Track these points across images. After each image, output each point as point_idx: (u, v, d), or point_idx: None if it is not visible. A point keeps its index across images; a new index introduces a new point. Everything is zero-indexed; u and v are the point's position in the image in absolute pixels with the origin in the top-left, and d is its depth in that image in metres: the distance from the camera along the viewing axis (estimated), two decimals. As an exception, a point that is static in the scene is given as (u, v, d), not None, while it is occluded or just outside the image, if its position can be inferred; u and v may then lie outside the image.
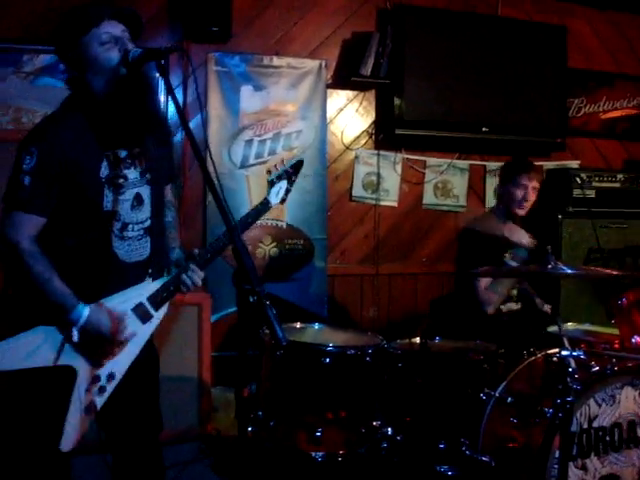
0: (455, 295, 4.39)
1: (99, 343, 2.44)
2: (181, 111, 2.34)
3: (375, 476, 3.40)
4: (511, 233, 4.12)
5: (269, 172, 2.96)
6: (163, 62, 2.34)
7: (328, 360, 3.35)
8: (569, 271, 3.02)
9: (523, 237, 4.09)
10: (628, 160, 6.30)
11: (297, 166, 3.04)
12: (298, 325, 3.83)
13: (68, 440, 2.41)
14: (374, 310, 5.52)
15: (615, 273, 3.28)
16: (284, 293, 5.07)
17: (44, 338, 2.39)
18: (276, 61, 5.09)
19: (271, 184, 2.93)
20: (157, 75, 2.33)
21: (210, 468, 3.95)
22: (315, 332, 3.83)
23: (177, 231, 2.84)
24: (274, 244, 5.17)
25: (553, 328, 3.67)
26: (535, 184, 4.16)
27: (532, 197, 4.17)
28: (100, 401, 2.47)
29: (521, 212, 4.17)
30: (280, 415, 3.41)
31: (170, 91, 2.26)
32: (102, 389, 2.47)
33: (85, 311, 2.39)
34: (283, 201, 2.98)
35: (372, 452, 3.37)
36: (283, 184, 2.95)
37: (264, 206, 2.89)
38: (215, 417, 4.39)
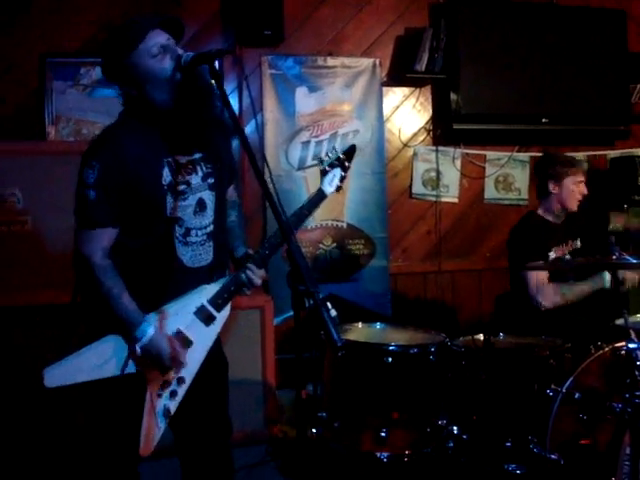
0: (513, 292, 4.32)
1: (161, 364, 2.47)
2: (235, 116, 2.33)
3: (442, 476, 3.36)
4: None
5: (321, 161, 2.90)
6: (216, 66, 2.34)
7: (390, 359, 3.32)
8: (634, 261, 2.94)
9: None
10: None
11: (350, 152, 2.94)
12: (360, 325, 3.81)
13: (146, 445, 2.44)
14: (438, 308, 5.46)
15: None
16: (346, 293, 5.06)
17: (113, 348, 2.43)
18: (330, 61, 5.09)
19: (324, 173, 2.86)
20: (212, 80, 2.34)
21: (277, 470, 3.96)
22: (377, 332, 3.81)
23: (242, 230, 2.84)
24: (335, 244, 5.16)
25: (620, 320, 3.58)
26: (585, 178, 4.13)
27: (585, 191, 4.15)
28: (173, 405, 2.50)
29: (574, 208, 4.13)
30: (344, 416, 3.40)
31: (223, 94, 2.26)
32: (173, 393, 2.50)
33: (150, 331, 2.41)
34: (339, 189, 2.88)
35: (438, 452, 3.33)
36: (337, 171, 2.87)
37: (318, 196, 2.81)
38: (281, 419, 4.41)
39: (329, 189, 2.84)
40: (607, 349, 3.25)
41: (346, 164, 2.91)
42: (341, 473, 3.50)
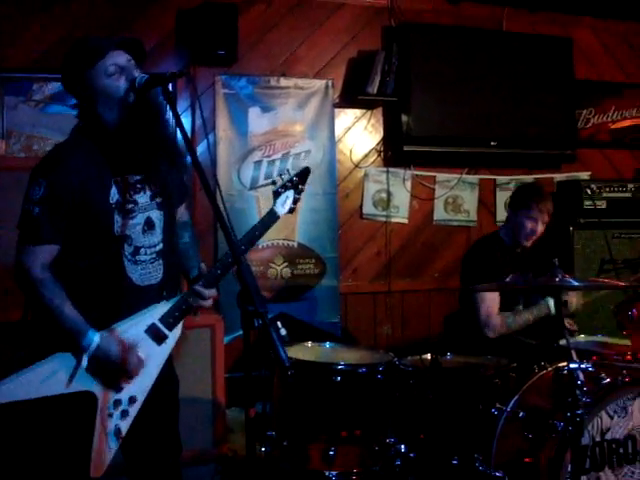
0: (462, 312, 4.38)
1: (111, 369, 2.45)
2: (186, 135, 2.35)
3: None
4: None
5: (274, 183, 2.92)
6: (169, 87, 2.37)
7: (339, 378, 3.34)
8: (576, 283, 3.01)
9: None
10: (639, 169, 6.27)
11: (303, 174, 2.96)
12: (310, 344, 3.82)
13: (97, 466, 2.43)
14: (387, 328, 5.51)
15: (623, 284, 3.27)
16: (297, 312, 5.06)
17: (59, 365, 2.41)
18: (283, 82, 5.13)
19: (277, 194, 2.87)
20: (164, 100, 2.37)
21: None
22: (327, 351, 3.83)
23: (196, 251, 2.85)
24: (286, 264, 5.18)
25: (564, 341, 3.66)
26: (546, 218, 4.12)
27: (540, 231, 4.13)
28: (125, 425, 2.49)
29: (527, 243, 4.14)
30: (293, 435, 3.40)
31: (176, 116, 2.29)
32: (125, 413, 2.49)
33: (95, 338, 2.40)
34: (292, 210, 2.90)
35: (386, 470, 3.35)
36: (290, 193, 2.88)
37: (271, 217, 2.83)
38: (230, 438, 4.39)
39: (282, 210, 2.86)
40: (550, 369, 3.33)
41: (299, 186, 2.93)
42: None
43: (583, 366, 2.84)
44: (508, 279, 4.05)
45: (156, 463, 2.72)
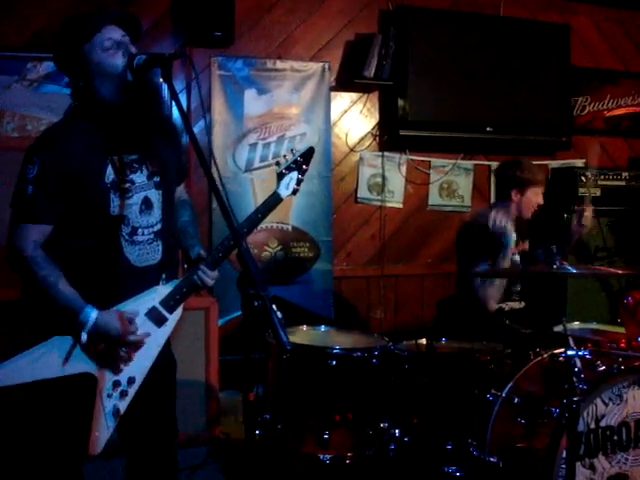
0: (458, 295, 4.39)
1: (112, 347, 2.44)
2: (185, 116, 2.34)
3: (383, 478, 3.40)
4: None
5: (278, 164, 2.88)
6: (167, 68, 2.35)
7: (334, 362, 3.36)
8: (574, 271, 3.01)
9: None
10: (633, 158, 6.29)
11: (308, 154, 2.92)
12: (304, 328, 3.83)
13: (94, 444, 2.43)
14: (381, 312, 5.52)
15: (620, 272, 3.28)
16: (290, 296, 5.07)
17: (58, 347, 2.40)
18: (279, 64, 5.10)
19: (280, 176, 2.83)
20: (161, 80, 2.35)
21: (219, 472, 3.95)
22: (321, 334, 3.84)
23: (196, 229, 2.83)
24: (280, 247, 5.17)
25: (559, 327, 3.67)
26: (543, 189, 4.20)
27: (541, 201, 4.21)
28: (123, 405, 2.48)
29: (530, 217, 4.18)
30: (287, 418, 3.42)
31: (174, 96, 2.28)
32: (124, 393, 2.48)
33: (93, 313, 2.39)
34: (295, 192, 2.86)
35: (380, 454, 3.37)
36: (294, 175, 2.84)
37: (274, 200, 2.80)
38: (223, 421, 4.40)
39: (285, 192, 2.83)
40: (546, 355, 3.34)
41: (304, 167, 2.90)
42: (284, 475, 3.51)
43: (580, 353, 2.84)
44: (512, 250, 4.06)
45: (152, 444, 2.72)
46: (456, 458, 3.25)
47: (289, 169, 2.86)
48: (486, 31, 5.47)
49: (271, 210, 2.81)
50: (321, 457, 3.29)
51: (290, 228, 5.20)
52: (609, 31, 6.18)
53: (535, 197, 4.16)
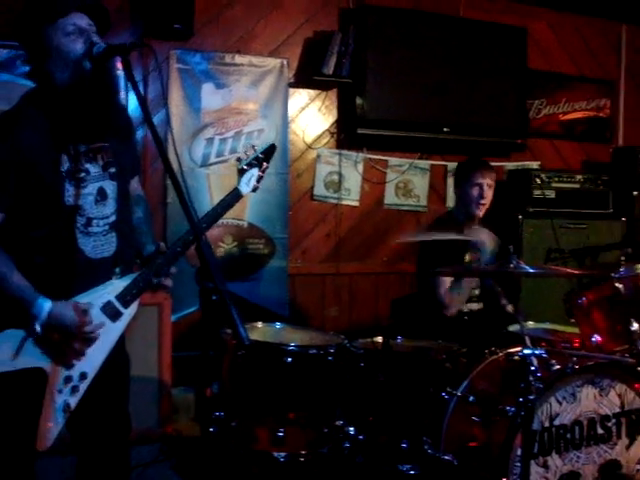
0: (417, 295, 4.39)
1: (65, 340, 2.38)
2: (146, 106, 2.31)
3: (338, 476, 3.38)
4: (473, 234, 4.11)
5: (239, 160, 2.85)
6: (128, 58, 2.31)
7: (290, 359, 3.34)
8: (531, 270, 3.03)
9: (486, 238, 4.07)
10: (586, 161, 6.38)
11: (269, 151, 2.90)
12: (259, 324, 3.80)
13: (42, 440, 2.38)
14: (335, 310, 5.51)
15: (576, 272, 3.31)
16: (245, 293, 5.04)
17: (9, 340, 2.34)
18: (238, 59, 5.06)
19: (241, 172, 2.80)
20: (120, 70, 2.31)
21: (172, 469, 3.91)
22: (276, 331, 3.81)
23: (150, 226, 2.78)
24: (235, 243, 5.13)
25: (514, 327, 3.70)
26: (489, 181, 4.13)
27: (488, 195, 4.14)
28: (74, 401, 2.44)
29: (479, 212, 4.14)
30: (242, 415, 3.39)
31: (134, 86, 2.24)
32: (75, 389, 2.43)
33: (47, 304, 2.33)
34: (255, 189, 2.85)
35: (334, 452, 3.36)
36: (255, 171, 2.83)
37: (235, 196, 2.77)
38: (176, 418, 4.36)
39: (246, 189, 2.81)
40: (501, 354, 3.36)
41: (264, 164, 2.88)
42: (237, 473, 3.48)
43: (537, 352, 2.86)
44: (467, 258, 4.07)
45: (103, 441, 2.66)
46: (411, 456, 3.24)
47: (250, 165, 2.84)
48: (445, 32, 5.49)
49: (231, 206, 2.79)
50: (275, 455, 3.26)
51: (245, 224, 5.17)
52: (565, 36, 6.27)
53: (473, 190, 4.11)
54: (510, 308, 4.05)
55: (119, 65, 2.34)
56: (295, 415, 3.34)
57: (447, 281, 4.00)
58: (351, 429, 3.39)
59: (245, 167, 2.82)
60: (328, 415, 3.40)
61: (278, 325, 3.88)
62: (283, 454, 3.26)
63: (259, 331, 3.73)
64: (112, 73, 2.44)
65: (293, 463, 3.29)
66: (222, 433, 3.40)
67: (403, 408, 3.38)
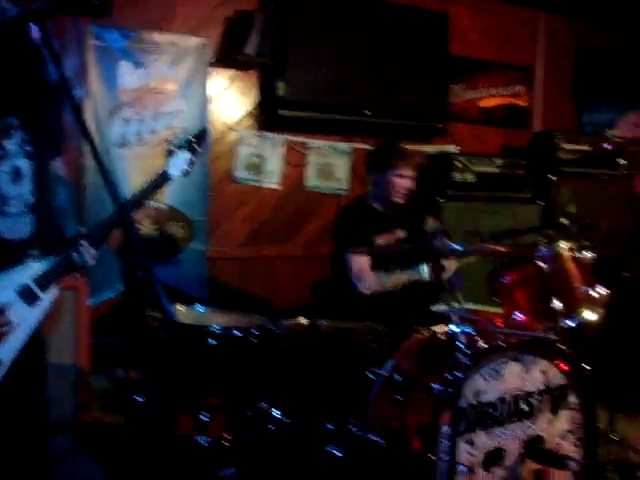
0: (334, 278, 4.37)
1: None
2: (65, 80, 2.20)
3: (263, 459, 3.33)
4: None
5: (168, 141, 2.77)
6: (46, 25, 2.20)
7: (213, 341, 3.27)
8: (458, 247, 3.04)
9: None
10: (505, 146, 6.47)
11: (201, 135, 2.82)
12: (181, 308, 3.71)
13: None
14: (257, 293, 5.44)
15: (503, 249, 3.33)
16: (164, 276, 4.88)
17: None
18: (157, 37, 4.91)
19: (170, 153, 2.73)
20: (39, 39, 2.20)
21: (90, 458, 3.79)
22: (199, 314, 3.73)
23: (72, 208, 2.69)
24: (154, 226, 5.01)
25: (438, 307, 3.72)
26: (415, 174, 4.19)
27: (412, 186, 4.19)
28: None
29: (400, 200, 4.18)
30: (164, 400, 3.31)
31: (53, 56, 2.15)
32: None
33: None
34: (186, 173, 2.77)
35: (259, 435, 3.31)
36: (185, 154, 2.74)
37: (163, 178, 2.68)
38: (95, 406, 4.23)
39: (175, 172, 2.71)
40: (426, 333, 3.36)
41: (196, 148, 2.78)
42: (159, 459, 3.39)
43: (464, 329, 2.87)
44: (380, 242, 4.07)
45: (20, 430, 2.56)
46: (337, 438, 3.22)
47: (180, 148, 2.74)
48: (368, 14, 5.47)
49: (158, 188, 2.70)
50: (198, 439, 3.20)
51: (164, 207, 5.05)
52: (485, 22, 6.36)
53: (397, 179, 4.15)
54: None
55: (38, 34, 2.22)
56: (219, 398, 3.28)
57: (362, 263, 3.99)
58: (276, 412, 3.35)
59: (174, 149, 2.73)
60: (253, 398, 3.34)
61: (200, 308, 3.80)
62: (206, 438, 3.20)
63: (181, 314, 3.64)
64: (33, 42, 2.30)
65: (217, 447, 3.22)
66: (144, 419, 3.32)
67: (329, 389, 3.35)
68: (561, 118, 6.91)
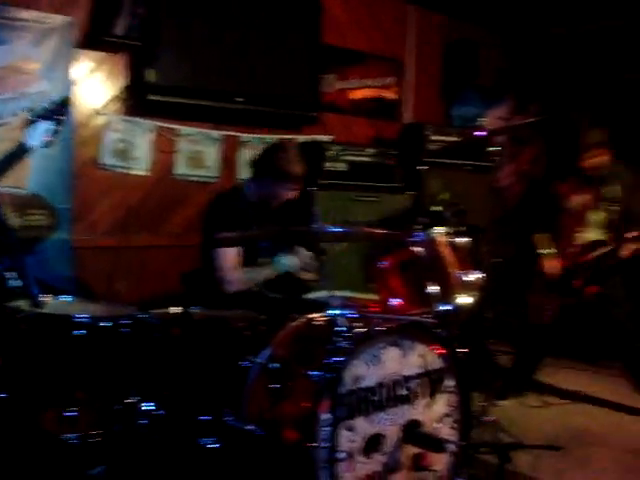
0: (204, 268, 4.27)
1: None
2: None
3: (135, 454, 3.19)
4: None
5: (30, 110, 2.60)
6: None
7: (80, 332, 3.10)
8: (337, 230, 3.01)
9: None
10: (376, 137, 6.52)
11: (63, 104, 2.66)
12: (45, 298, 3.50)
13: None
14: (124, 284, 5.25)
15: (381, 234, 3.31)
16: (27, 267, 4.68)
17: None
18: (19, 14, 4.62)
19: (29, 123, 2.55)
20: None
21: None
22: (64, 305, 3.54)
23: None
24: (14, 214, 4.74)
25: (313, 294, 3.69)
26: (295, 191, 4.17)
27: (287, 197, 4.16)
28: None
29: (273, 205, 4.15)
30: (26, 396, 3.11)
31: None
32: None
33: None
34: (48, 144, 2.59)
35: (131, 430, 3.17)
36: (46, 123, 2.58)
37: (20, 150, 2.52)
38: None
39: (34, 142, 2.54)
40: (302, 320, 3.31)
41: (59, 117, 2.61)
42: (23, 458, 3.19)
43: (344, 313, 2.84)
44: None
45: None
46: (213, 429, 3.12)
47: (41, 116, 2.57)
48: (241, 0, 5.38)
49: (16, 160, 2.52)
50: (65, 437, 3.02)
51: (25, 193, 4.79)
52: (358, 12, 6.39)
53: (285, 192, 4.12)
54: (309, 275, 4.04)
55: None
56: (86, 393, 3.12)
57: (230, 257, 3.92)
58: (148, 405, 3.22)
59: (35, 118, 2.55)
60: (122, 391, 3.19)
61: (66, 298, 3.60)
62: (73, 435, 3.03)
63: (46, 305, 3.44)
64: None
65: (85, 444, 3.06)
66: (5, 417, 3.12)
67: (204, 380, 3.25)
68: (430, 111, 7.04)
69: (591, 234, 4.90)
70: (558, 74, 7.16)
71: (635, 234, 4.62)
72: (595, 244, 4.85)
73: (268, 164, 4.13)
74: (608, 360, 5.68)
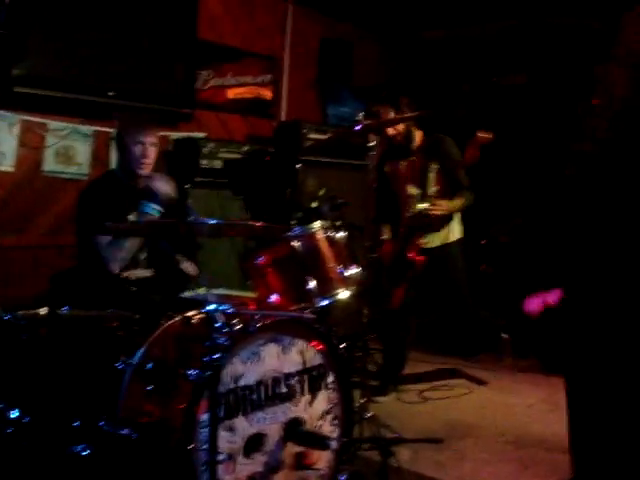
0: (80, 263, 4.08)
1: None
2: None
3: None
4: (150, 182, 3.89)
5: None
6: None
7: None
8: (212, 222, 2.92)
9: (163, 186, 3.86)
10: (251, 135, 6.46)
11: None
12: None
13: None
14: (-11, 287, 4.98)
15: (259, 228, 3.22)
16: None
17: None
18: None
19: None
20: None
21: None
22: None
23: None
24: None
25: (188, 293, 3.59)
26: (152, 139, 4.01)
27: (152, 154, 4.01)
28: None
29: (142, 171, 3.99)
30: None
31: None
32: None
33: None
34: None
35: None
36: None
37: None
38: None
39: None
40: (178, 318, 3.19)
41: None
42: None
43: (221, 308, 2.74)
44: (131, 217, 3.84)
45: None
46: (85, 435, 2.94)
47: None
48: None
49: None
50: None
51: None
52: (234, 9, 6.33)
53: (135, 147, 3.95)
54: (191, 269, 3.93)
55: None
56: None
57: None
58: (13, 412, 3.02)
59: None
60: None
61: None
62: None
63: None
64: None
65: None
66: None
67: (75, 383, 3.08)
68: (307, 109, 7.04)
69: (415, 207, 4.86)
70: (432, 75, 7.30)
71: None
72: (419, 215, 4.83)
73: (119, 130, 4.09)
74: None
